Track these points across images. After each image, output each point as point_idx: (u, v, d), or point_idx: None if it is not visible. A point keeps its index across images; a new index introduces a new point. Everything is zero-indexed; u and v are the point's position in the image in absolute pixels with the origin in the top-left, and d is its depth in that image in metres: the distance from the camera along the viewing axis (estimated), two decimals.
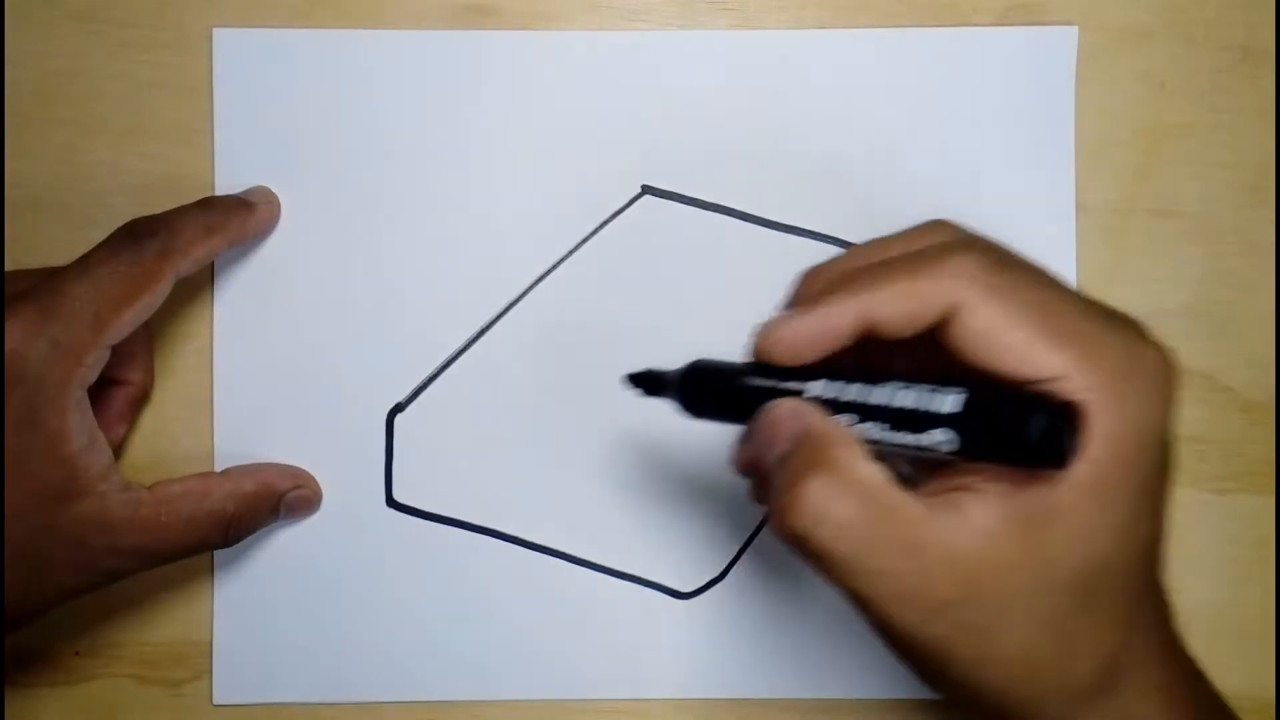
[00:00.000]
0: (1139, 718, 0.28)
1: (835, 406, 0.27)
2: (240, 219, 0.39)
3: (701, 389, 0.31)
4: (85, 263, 0.36)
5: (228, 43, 0.42)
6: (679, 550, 0.41)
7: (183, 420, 0.42)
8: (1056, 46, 0.42)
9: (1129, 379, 0.25)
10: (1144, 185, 0.42)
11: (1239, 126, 0.42)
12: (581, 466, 0.42)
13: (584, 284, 0.42)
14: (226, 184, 0.42)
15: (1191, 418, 0.42)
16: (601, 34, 0.42)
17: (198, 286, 0.42)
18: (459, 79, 0.42)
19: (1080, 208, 0.42)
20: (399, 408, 0.42)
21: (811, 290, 0.29)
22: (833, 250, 0.42)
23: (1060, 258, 0.42)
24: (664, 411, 0.33)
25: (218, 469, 0.41)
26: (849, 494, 0.26)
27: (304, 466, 0.41)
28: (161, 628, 0.42)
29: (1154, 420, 0.26)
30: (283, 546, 0.42)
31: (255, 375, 0.42)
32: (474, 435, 0.42)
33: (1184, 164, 0.42)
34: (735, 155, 0.42)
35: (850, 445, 0.26)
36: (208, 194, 0.41)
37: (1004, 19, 0.42)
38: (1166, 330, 0.42)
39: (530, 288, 0.42)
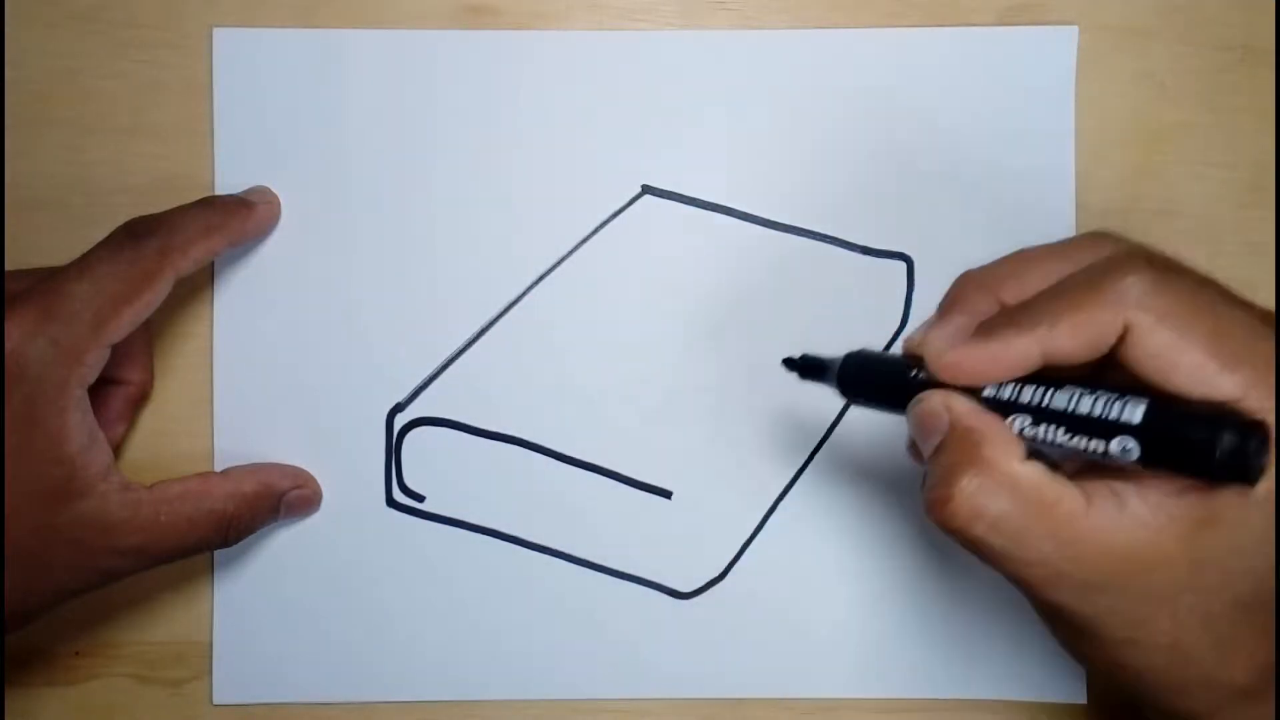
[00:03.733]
0: None
1: (1008, 407, 0.28)
2: (240, 219, 0.39)
3: (862, 377, 0.32)
4: (85, 262, 0.36)
5: (228, 43, 0.42)
6: (679, 550, 0.41)
7: (183, 420, 0.42)
8: (1056, 46, 0.42)
9: None
10: (1144, 185, 0.42)
11: (1239, 126, 0.42)
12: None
13: (584, 284, 0.42)
14: (226, 184, 0.42)
15: None
16: (601, 34, 0.42)
17: (198, 286, 0.42)
18: (459, 79, 0.42)
19: (1080, 208, 0.42)
20: (399, 408, 0.42)
21: (966, 301, 0.29)
22: (831, 250, 0.42)
23: None
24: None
25: (218, 469, 0.41)
26: (1002, 492, 0.27)
27: (304, 466, 0.41)
28: (161, 628, 0.42)
29: None
30: (283, 546, 0.42)
31: (255, 375, 0.42)
32: (474, 435, 0.42)
33: (1184, 164, 0.42)
34: (735, 155, 0.42)
35: (1003, 443, 0.27)
36: (208, 194, 0.41)
37: (1004, 19, 0.42)
38: None
39: (530, 287, 0.42)
